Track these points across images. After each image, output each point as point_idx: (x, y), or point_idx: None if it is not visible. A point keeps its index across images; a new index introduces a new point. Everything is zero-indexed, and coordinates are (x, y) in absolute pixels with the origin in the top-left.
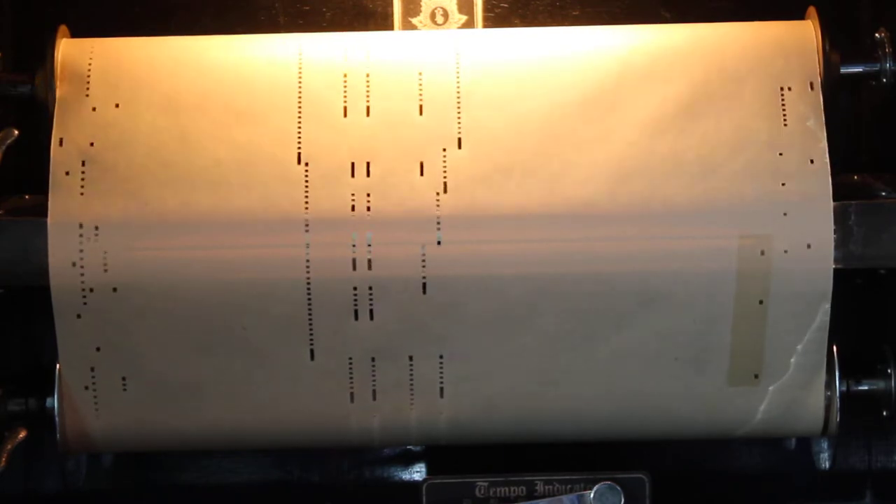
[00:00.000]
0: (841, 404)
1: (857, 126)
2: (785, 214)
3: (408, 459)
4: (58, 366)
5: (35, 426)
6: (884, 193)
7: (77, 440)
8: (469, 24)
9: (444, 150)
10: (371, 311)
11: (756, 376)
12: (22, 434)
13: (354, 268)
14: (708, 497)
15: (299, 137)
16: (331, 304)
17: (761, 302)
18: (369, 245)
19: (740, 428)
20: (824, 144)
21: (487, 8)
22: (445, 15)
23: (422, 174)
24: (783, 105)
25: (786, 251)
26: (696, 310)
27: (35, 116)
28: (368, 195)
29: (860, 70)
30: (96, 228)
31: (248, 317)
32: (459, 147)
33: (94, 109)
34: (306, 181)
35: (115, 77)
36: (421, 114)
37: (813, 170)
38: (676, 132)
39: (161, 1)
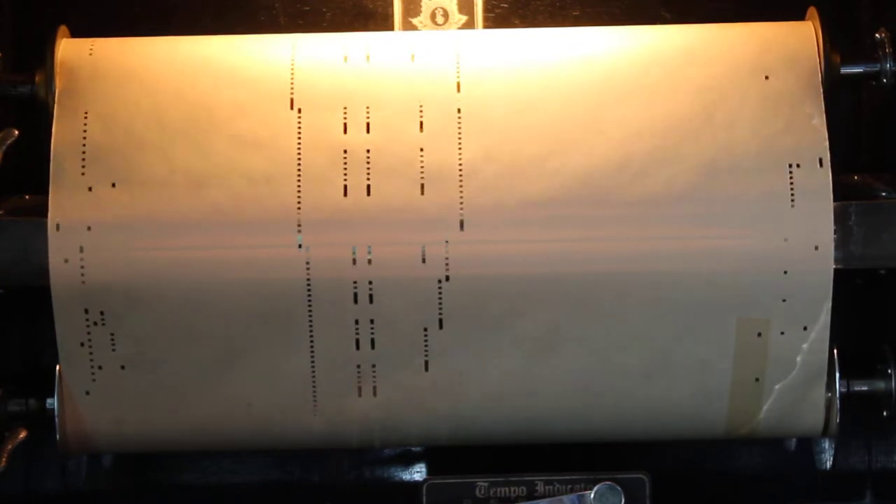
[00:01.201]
0: (841, 404)
1: (857, 126)
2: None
3: (408, 459)
4: (58, 366)
5: (35, 426)
6: (884, 193)
7: (77, 440)
8: (469, 24)
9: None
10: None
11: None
12: (22, 434)
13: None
14: (708, 497)
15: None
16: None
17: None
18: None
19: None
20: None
21: (487, 8)
22: (445, 15)
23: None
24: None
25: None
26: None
27: (35, 116)
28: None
29: (860, 70)
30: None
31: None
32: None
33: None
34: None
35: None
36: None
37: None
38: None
39: (161, 1)
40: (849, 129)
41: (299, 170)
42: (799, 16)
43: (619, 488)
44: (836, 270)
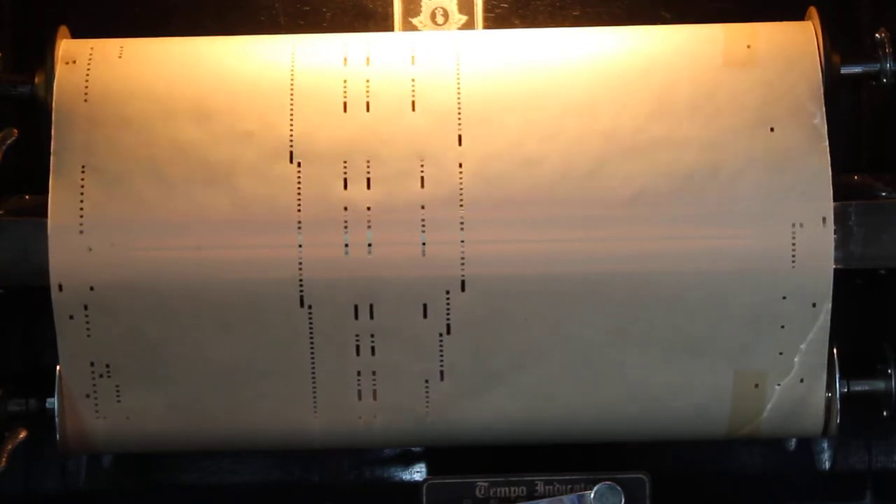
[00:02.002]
0: (841, 404)
1: (857, 126)
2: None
3: (408, 459)
4: (58, 366)
5: (35, 426)
6: (884, 193)
7: (77, 440)
8: (469, 24)
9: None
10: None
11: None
12: (22, 434)
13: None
14: (708, 497)
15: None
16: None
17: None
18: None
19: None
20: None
21: (487, 8)
22: (446, 15)
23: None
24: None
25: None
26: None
27: (35, 116)
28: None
29: (860, 70)
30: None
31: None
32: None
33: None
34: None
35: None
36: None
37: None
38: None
39: (161, 1)
40: (849, 129)
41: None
42: (799, 16)
43: (619, 488)
44: (836, 270)
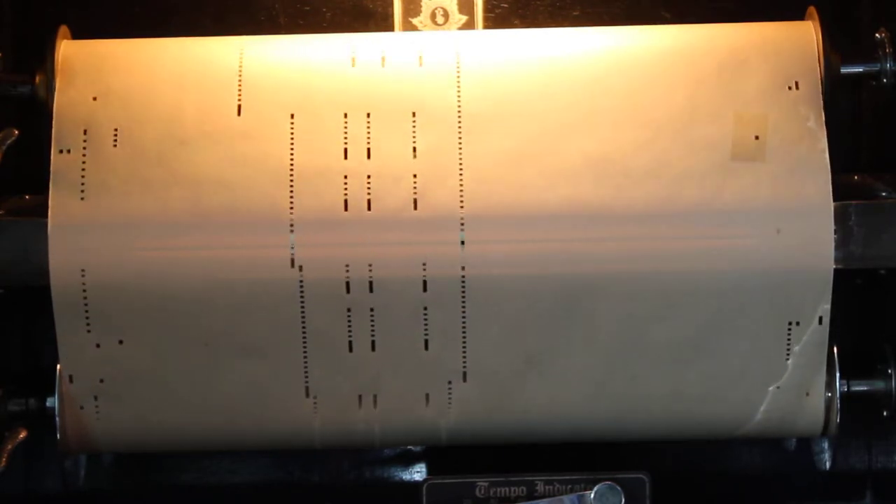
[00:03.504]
0: (841, 404)
1: (857, 126)
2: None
3: (408, 459)
4: (58, 366)
5: (35, 426)
6: (884, 193)
7: (77, 440)
8: (469, 24)
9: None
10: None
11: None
12: (22, 434)
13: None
14: (708, 497)
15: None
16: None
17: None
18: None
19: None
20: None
21: (488, 8)
22: (446, 15)
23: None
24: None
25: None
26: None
27: (35, 116)
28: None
29: (860, 70)
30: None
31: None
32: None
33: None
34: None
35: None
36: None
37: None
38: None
39: (161, 1)
40: (849, 129)
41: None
42: (799, 16)
43: (619, 488)
44: (836, 270)
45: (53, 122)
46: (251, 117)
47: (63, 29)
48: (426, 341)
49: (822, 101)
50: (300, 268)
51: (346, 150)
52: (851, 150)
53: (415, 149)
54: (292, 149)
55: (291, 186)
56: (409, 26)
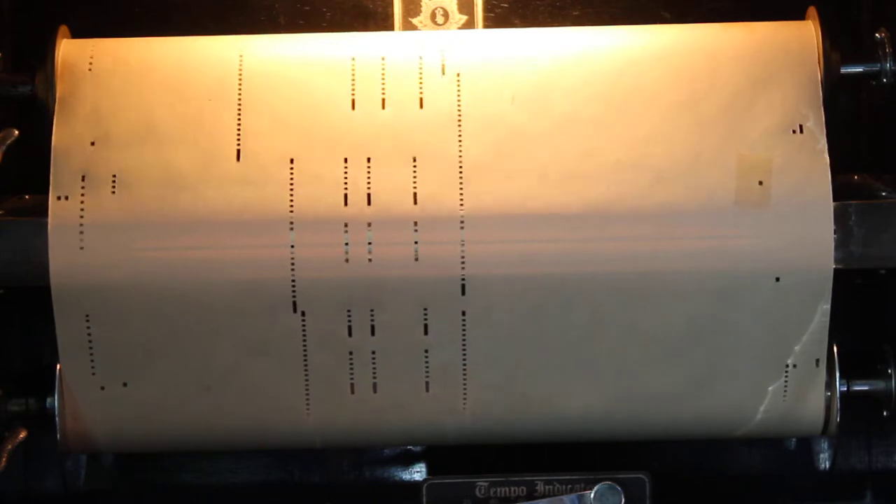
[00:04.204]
0: (841, 404)
1: (857, 126)
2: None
3: (408, 459)
4: (58, 366)
5: (35, 426)
6: (884, 193)
7: (77, 440)
8: (469, 24)
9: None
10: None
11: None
12: (22, 434)
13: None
14: (708, 497)
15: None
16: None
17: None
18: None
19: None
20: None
21: (487, 8)
22: (446, 15)
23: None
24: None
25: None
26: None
27: (35, 116)
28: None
29: (860, 70)
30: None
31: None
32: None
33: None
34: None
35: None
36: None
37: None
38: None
39: (161, 1)
40: (849, 129)
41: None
42: (798, 15)
43: (619, 488)
44: (836, 270)
45: (54, 122)
46: (250, 163)
47: (63, 28)
48: (427, 383)
49: (822, 101)
50: (303, 313)
51: (346, 196)
52: (851, 150)
53: (415, 195)
54: (292, 195)
55: (292, 227)
56: (409, 26)
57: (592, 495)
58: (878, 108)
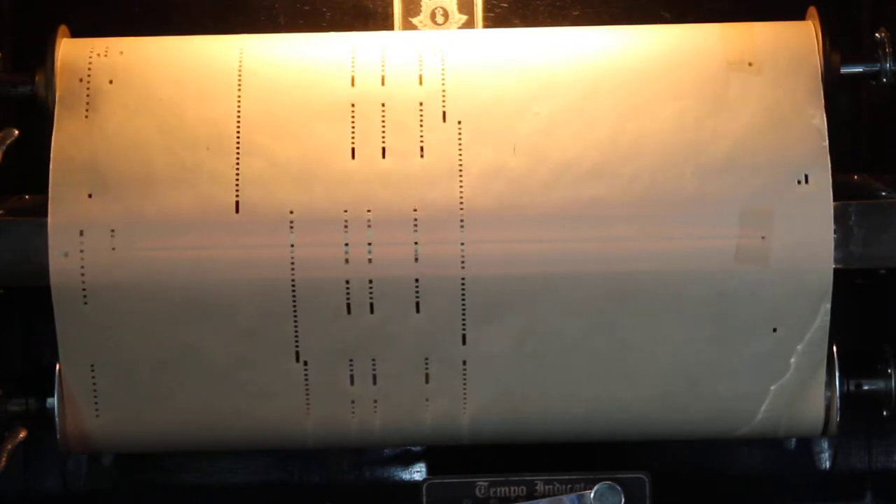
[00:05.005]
0: (841, 404)
1: (857, 126)
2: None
3: (408, 459)
4: (58, 366)
5: (35, 426)
6: (884, 193)
7: (77, 440)
8: (469, 24)
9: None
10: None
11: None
12: (22, 434)
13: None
14: (708, 497)
15: None
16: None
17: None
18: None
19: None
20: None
21: (487, 8)
22: (445, 15)
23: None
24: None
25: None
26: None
27: (35, 116)
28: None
29: (860, 70)
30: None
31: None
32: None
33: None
34: (294, 288)
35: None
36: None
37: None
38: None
39: (161, 1)
40: (849, 129)
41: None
42: (798, 15)
43: (619, 488)
44: (836, 270)
45: (53, 122)
46: (249, 216)
47: (62, 28)
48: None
49: (822, 101)
50: (305, 363)
51: (346, 251)
52: (851, 150)
53: (416, 258)
54: (293, 254)
55: (294, 291)
56: (409, 26)
57: (592, 495)
58: (878, 108)
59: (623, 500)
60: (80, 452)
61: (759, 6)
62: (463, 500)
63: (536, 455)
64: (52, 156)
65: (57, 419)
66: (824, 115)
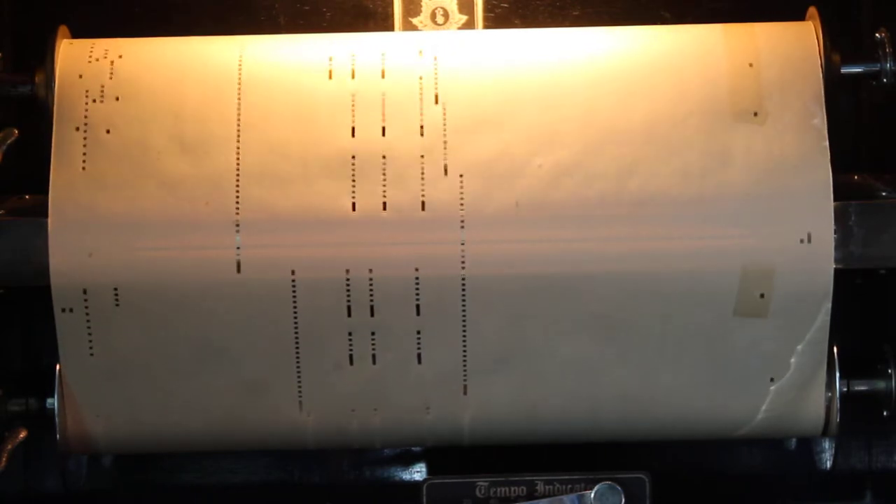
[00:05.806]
0: (841, 404)
1: (857, 126)
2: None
3: (408, 459)
4: (58, 366)
5: (35, 426)
6: (884, 193)
7: (77, 440)
8: (469, 24)
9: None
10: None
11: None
12: (22, 434)
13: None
14: (708, 497)
15: None
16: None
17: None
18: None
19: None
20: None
21: (488, 8)
22: (446, 15)
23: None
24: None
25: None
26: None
27: (35, 116)
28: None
29: (860, 70)
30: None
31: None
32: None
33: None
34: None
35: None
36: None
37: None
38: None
39: (161, 1)
40: (849, 129)
41: None
42: (799, 16)
43: (619, 488)
44: (836, 270)
45: (53, 122)
46: (251, 275)
47: (63, 29)
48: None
49: (823, 101)
50: (309, 413)
51: (349, 305)
52: (851, 150)
53: (418, 307)
54: (295, 308)
55: (297, 346)
56: (409, 26)
57: (592, 495)
58: (878, 108)
59: (623, 500)
60: (80, 452)
61: (759, 6)
62: (463, 500)
63: (536, 455)
64: (52, 155)
65: (57, 419)
66: (824, 114)
